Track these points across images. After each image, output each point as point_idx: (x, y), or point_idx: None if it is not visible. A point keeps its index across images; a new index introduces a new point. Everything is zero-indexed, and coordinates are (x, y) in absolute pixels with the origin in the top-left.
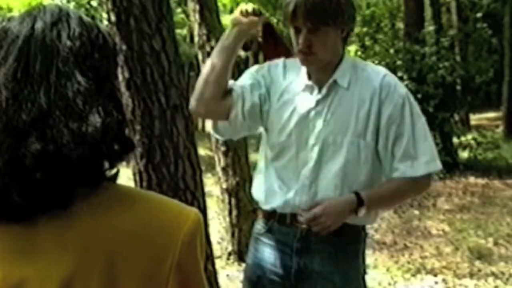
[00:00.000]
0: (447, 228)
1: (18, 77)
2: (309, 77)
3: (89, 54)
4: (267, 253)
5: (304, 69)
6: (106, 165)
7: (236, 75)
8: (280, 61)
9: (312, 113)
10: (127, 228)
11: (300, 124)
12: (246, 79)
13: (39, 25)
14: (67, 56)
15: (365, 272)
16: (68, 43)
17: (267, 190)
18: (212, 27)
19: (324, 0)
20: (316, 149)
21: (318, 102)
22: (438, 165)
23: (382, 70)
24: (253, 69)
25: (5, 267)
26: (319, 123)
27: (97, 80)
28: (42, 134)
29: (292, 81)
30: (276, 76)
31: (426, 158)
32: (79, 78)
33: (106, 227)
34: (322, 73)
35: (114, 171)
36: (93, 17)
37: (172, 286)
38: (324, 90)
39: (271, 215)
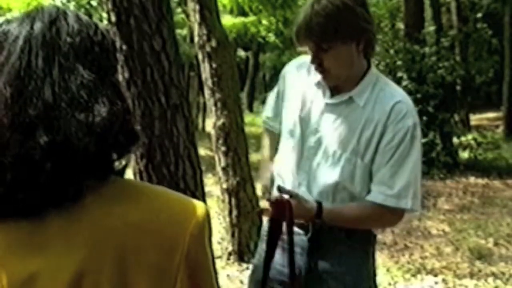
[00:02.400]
0: (447, 228)
1: (21, 75)
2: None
3: (90, 49)
4: (276, 254)
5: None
6: (114, 156)
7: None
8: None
9: (319, 113)
10: (136, 221)
11: (304, 119)
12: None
13: (38, 25)
14: (68, 51)
15: (375, 274)
16: (68, 39)
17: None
18: (212, 27)
19: (323, 19)
20: (318, 154)
21: (327, 105)
22: (408, 204)
23: (398, 94)
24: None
25: (15, 262)
26: (324, 128)
27: (100, 73)
28: (50, 126)
29: (304, 75)
30: (288, 75)
31: (400, 193)
32: (81, 72)
33: (115, 220)
34: (342, 83)
35: (121, 165)
36: (90, 16)
37: (181, 277)
38: (338, 98)
39: None
